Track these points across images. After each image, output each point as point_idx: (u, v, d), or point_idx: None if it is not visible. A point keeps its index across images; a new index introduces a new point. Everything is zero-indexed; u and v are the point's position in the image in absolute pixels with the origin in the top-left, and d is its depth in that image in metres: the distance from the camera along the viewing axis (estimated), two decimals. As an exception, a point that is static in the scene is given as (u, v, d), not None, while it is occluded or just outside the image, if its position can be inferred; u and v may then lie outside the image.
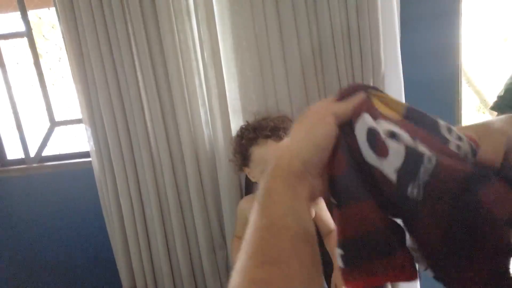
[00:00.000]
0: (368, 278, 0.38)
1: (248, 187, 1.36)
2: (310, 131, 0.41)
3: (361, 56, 1.20)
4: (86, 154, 1.62)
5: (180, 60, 1.28)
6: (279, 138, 1.07)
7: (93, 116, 1.34)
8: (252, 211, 0.38)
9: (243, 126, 1.17)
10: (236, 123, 1.38)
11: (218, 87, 1.30)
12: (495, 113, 1.36)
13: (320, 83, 1.29)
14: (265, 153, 1.05)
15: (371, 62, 1.21)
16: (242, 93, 1.34)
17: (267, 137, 1.07)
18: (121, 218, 1.41)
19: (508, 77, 1.30)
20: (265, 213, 0.37)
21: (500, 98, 1.31)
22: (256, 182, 1.19)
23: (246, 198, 1.23)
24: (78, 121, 1.64)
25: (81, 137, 1.71)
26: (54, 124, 1.68)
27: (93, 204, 1.54)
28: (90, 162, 1.46)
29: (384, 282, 0.38)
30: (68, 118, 1.68)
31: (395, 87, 1.27)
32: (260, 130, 1.08)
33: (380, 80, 1.25)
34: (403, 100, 1.28)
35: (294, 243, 0.34)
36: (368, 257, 0.38)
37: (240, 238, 1.20)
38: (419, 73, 1.33)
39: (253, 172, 1.12)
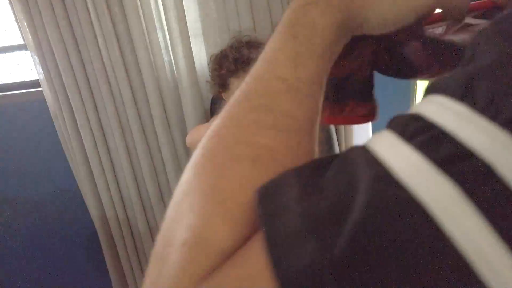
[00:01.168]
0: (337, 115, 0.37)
1: (214, 113, 1.37)
2: None
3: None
4: (32, 84, 1.50)
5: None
6: None
7: (39, 41, 1.22)
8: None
9: (224, 53, 1.09)
10: (197, 49, 1.33)
11: (177, 9, 1.21)
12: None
13: (284, 3, 1.24)
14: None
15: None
16: (202, 15, 1.27)
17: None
18: (83, 150, 1.39)
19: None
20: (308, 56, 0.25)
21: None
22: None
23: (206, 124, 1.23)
24: (22, 47, 1.49)
25: (23, 66, 1.58)
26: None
27: (50, 136, 1.48)
28: (40, 92, 1.37)
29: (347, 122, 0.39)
30: (5, 45, 1.51)
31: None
32: (241, 62, 1.03)
33: None
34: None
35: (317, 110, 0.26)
36: (343, 98, 0.36)
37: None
38: None
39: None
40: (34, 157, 1.60)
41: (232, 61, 1.04)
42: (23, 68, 1.61)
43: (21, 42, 1.46)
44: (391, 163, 0.17)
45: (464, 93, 0.17)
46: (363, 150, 0.19)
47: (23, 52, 1.52)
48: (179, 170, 1.45)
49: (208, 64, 1.21)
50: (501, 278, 0.14)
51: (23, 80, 1.56)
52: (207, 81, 1.25)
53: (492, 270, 0.14)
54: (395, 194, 0.16)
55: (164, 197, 1.50)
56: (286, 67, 0.24)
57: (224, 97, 1.16)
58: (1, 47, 1.52)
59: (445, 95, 0.18)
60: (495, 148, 0.15)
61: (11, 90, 1.51)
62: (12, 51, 1.53)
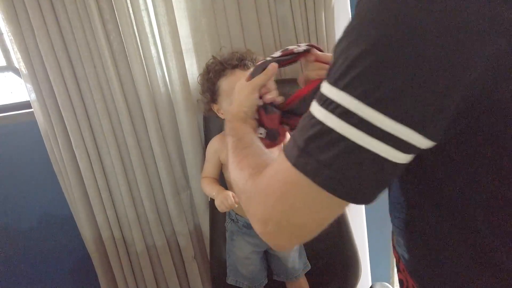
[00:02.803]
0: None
1: (207, 129, 1.40)
2: (245, 99, 0.76)
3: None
4: (21, 106, 1.48)
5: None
6: (246, 67, 1.10)
7: (32, 63, 1.23)
8: (228, 142, 0.70)
9: (209, 62, 1.18)
10: (189, 63, 1.37)
11: (170, 25, 1.26)
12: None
13: (273, 17, 1.31)
14: (233, 82, 1.07)
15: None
16: (193, 30, 1.31)
17: (235, 66, 1.10)
18: (77, 170, 1.37)
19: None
20: (241, 139, 0.68)
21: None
22: (222, 120, 1.22)
23: (216, 138, 1.27)
24: (3, 68, 1.48)
25: (8, 86, 1.55)
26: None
27: (40, 158, 1.45)
28: (29, 114, 1.36)
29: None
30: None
31: (344, 18, 1.35)
32: (226, 61, 1.10)
33: (331, 12, 1.31)
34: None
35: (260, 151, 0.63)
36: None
37: (207, 178, 1.24)
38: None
39: (222, 107, 1.15)
40: (20, 181, 1.56)
41: (217, 63, 1.12)
42: (5, 89, 1.59)
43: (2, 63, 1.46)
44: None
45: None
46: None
47: (5, 73, 1.50)
48: (174, 186, 1.46)
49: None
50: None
51: (11, 102, 1.53)
52: (198, 100, 1.29)
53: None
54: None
55: (161, 215, 1.49)
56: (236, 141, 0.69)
57: (215, 110, 1.20)
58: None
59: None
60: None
61: None
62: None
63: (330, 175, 0.40)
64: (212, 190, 1.14)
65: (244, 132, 0.70)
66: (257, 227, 0.48)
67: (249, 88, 0.75)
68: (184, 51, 1.33)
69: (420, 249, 0.57)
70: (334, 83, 0.40)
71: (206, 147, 1.39)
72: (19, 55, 1.23)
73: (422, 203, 0.52)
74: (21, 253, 1.67)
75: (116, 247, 1.50)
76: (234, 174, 0.59)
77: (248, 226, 1.21)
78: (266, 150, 0.63)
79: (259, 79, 0.75)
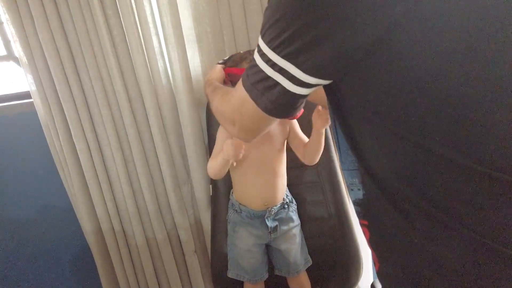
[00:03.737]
0: None
1: (210, 122, 1.38)
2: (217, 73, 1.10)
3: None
4: (21, 96, 1.48)
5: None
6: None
7: (31, 52, 1.21)
8: (209, 90, 0.99)
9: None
10: (191, 54, 1.35)
11: (173, 15, 1.24)
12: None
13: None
14: None
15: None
16: (196, 21, 1.30)
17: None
18: (77, 162, 1.37)
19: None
20: (217, 86, 0.98)
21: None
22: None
23: None
24: (3, 58, 1.47)
25: (8, 76, 1.54)
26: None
27: (39, 149, 1.45)
28: (29, 104, 1.35)
29: None
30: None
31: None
32: (244, 54, 1.15)
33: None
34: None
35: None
36: None
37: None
38: None
39: None
40: (20, 172, 1.55)
41: (236, 57, 1.15)
42: (6, 79, 1.58)
43: (2, 52, 1.45)
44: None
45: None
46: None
47: (6, 63, 1.49)
48: (175, 178, 1.45)
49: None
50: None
51: (10, 92, 1.52)
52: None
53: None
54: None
55: (161, 207, 1.49)
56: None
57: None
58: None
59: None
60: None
61: None
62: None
63: (256, 93, 0.60)
64: (218, 157, 1.15)
65: (217, 83, 1.03)
66: (229, 128, 0.73)
67: (218, 68, 1.14)
68: (186, 42, 1.31)
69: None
70: (260, 33, 0.57)
71: (208, 140, 1.39)
72: (18, 44, 1.22)
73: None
74: (20, 244, 1.67)
75: (116, 239, 1.50)
76: (216, 101, 0.84)
77: (251, 217, 1.21)
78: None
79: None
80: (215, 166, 1.17)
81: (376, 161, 0.58)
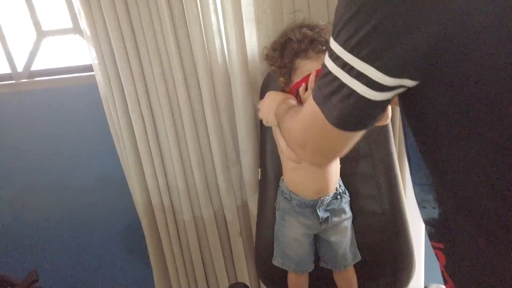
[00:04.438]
0: None
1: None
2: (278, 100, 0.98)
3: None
4: (84, 69, 1.54)
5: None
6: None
7: (95, 26, 1.24)
8: (278, 114, 0.89)
9: (285, 36, 1.09)
10: (249, 33, 1.31)
11: (233, -10, 1.20)
12: None
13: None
14: (315, 67, 1.01)
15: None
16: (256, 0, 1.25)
17: (320, 51, 1.03)
18: (132, 135, 1.40)
19: None
20: (285, 108, 0.86)
21: None
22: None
23: None
24: (71, 31, 1.52)
25: (74, 49, 1.60)
26: (41, 34, 1.55)
27: (96, 121, 1.51)
28: (91, 76, 1.39)
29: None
30: (58, 28, 1.54)
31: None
32: (312, 41, 1.03)
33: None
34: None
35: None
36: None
37: None
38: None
39: (292, 83, 1.09)
40: (80, 142, 1.63)
41: (303, 41, 1.04)
42: (72, 52, 1.65)
43: (69, 25, 1.50)
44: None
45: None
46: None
47: (71, 36, 1.54)
48: (225, 159, 1.45)
49: (265, 53, 1.19)
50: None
51: (72, 65, 1.59)
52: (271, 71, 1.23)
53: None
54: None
55: (209, 187, 1.49)
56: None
57: (281, 83, 1.14)
58: (52, 30, 1.54)
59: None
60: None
61: (62, 74, 1.54)
62: (62, 34, 1.55)
63: (329, 107, 0.53)
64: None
65: (285, 105, 0.91)
66: (300, 152, 0.65)
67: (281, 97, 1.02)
68: (244, 21, 1.27)
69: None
70: (332, 35, 0.51)
71: (260, 124, 1.36)
72: (84, 18, 1.25)
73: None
74: (76, 210, 1.77)
75: (165, 213, 1.53)
76: (285, 123, 0.77)
77: (302, 206, 1.17)
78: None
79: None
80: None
81: (462, 174, 0.51)
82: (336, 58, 0.50)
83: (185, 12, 1.23)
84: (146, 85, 1.34)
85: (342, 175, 1.22)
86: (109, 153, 1.56)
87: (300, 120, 0.62)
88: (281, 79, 1.12)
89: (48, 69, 1.63)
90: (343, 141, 0.57)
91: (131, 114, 1.36)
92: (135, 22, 1.24)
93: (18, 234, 1.84)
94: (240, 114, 1.36)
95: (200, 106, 1.36)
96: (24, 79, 1.61)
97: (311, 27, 1.08)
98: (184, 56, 1.29)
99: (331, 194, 1.16)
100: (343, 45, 0.48)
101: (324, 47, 1.03)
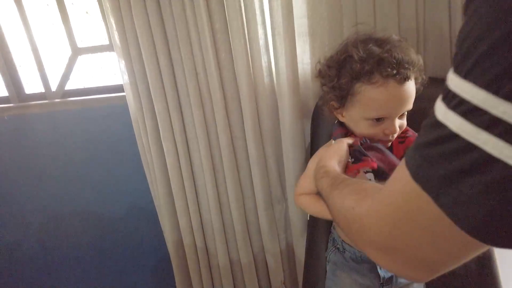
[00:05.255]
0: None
1: (315, 133, 1.13)
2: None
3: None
4: (117, 88, 1.42)
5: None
6: (403, 79, 0.79)
7: (127, 41, 1.11)
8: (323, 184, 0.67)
9: (345, 53, 0.85)
10: (301, 50, 1.12)
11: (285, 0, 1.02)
12: None
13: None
14: (381, 95, 0.79)
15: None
16: (311, 9, 1.06)
17: (389, 76, 0.79)
18: (164, 165, 1.26)
19: None
20: (336, 176, 0.66)
21: None
22: (339, 125, 0.94)
23: (324, 148, 0.99)
24: (106, 48, 1.42)
25: (110, 68, 1.50)
26: (76, 51, 1.46)
27: (130, 146, 1.38)
28: (122, 97, 1.26)
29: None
30: (94, 45, 1.45)
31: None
32: (380, 63, 0.79)
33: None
34: None
35: None
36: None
37: (309, 195, 0.98)
38: None
39: (346, 112, 0.88)
40: (111, 167, 1.52)
41: (366, 60, 0.80)
42: (108, 71, 1.55)
43: (107, 42, 1.40)
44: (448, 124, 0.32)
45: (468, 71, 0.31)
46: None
47: (108, 53, 1.45)
48: (269, 196, 1.25)
49: (318, 69, 0.97)
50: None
51: (107, 85, 1.49)
52: (321, 104, 1.01)
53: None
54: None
55: (250, 227, 1.30)
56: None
57: (334, 109, 0.91)
58: (87, 47, 1.45)
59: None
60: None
61: (97, 94, 1.45)
62: (97, 52, 1.46)
63: (454, 196, 0.31)
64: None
65: (338, 172, 0.71)
66: (378, 258, 0.44)
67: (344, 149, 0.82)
68: (296, 35, 1.09)
69: None
70: (453, 67, 0.33)
71: (310, 154, 1.15)
72: (115, 32, 1.13)
73: None
74: (104, 240, 1.66)
75: (197, 256, 1.36)
76: (338, 207, 0.54)
77: (357, 261, 0.96)
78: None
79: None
80: (315, 211, 0.94)
81: None
82: (459, 103, 0.31)
83: (228, 24, 1.07)
84: (181, 109, 1.18)
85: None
86: (141, 182, 1.43)
87: (382, 209, 0.40)
88: (333, 103, 0.90)
89: (82, 88, 1.54)
90: (472, 251, 0.35)
91: (162, 141, 1.21)
92: (170, 36, 1.10)
93: (46, 262, 1.75)
94: (288, 144, 1.17)
95: (242, 133, 1.18)
96: (58, 98, 1.52)
97: (380, 43, 0.84)
98: (225, 75, 1.12)
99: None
100: (484, 84, 0.29)
101: (394, 71, 0.79)
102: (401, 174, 0.37)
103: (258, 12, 1.06)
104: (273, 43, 1.09)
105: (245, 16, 1.06)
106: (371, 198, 0.43)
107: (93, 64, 1.55)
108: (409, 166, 0.36)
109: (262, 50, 1.11)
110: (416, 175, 0.34)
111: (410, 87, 0.80)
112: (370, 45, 0.82)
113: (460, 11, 0.99)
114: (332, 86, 0.87)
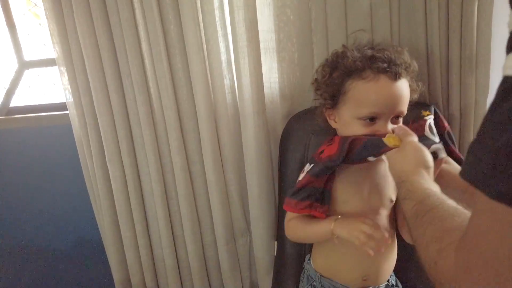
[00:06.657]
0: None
1: (284, 158, 1.03)
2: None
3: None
4: (62, 106, 1.30)
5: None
6: (395, 75, 0.78)
7: (70, 52, 1.01)
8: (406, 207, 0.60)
9: (341, 54, 0.86)
10: (268, 67, 1.03)
11: (248, 10, 0.93)
12: None
13: (393, 9, 0.93)
14: (371, 91, 0.78)
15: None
16: (278, 23, 0.99)
17: (381, 71, 0.78)
18: (110, 191, 1.13)
19: None
20: (422, 200, 0.56)
21: None
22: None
23: None
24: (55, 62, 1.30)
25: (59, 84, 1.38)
26: (24, 65, 1.34)
27: (75, 170, 1.24)
28: (66, 115, 1.14)
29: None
30: (41, 58, 1.34)
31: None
32: (370, 59, 0.80)
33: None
34: None
35: None
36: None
37: (298, 218, 0.89)
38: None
39: (339, 114, 0.85)
40: (56, 195, 1.39)
41: (358, 57, 0.81)
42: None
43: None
44: None
45: None
46: None
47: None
48: (230, 228, 1.15)
49: (314, 76, 0.94)
50: None
51: (56, 102, 1.37)
52: (314, 99, 0.97)
53: None
54: None
55: (208, 265, 1.17)
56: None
57: (326, 114, 0.89)
58: (34, 61, 1.34)
59: None
60: None
61: (43, 112, 1.33)
62: (46, 65, 1.34)
63: None
64: (319, 225, 0.82)
65: (426, 191, 0.59)
66: None
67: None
68: (262, 50, 1.00)
69: None
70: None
71: (278, 182, 1.05)
72: (57, 42, 1.01)
73: None
74: (50, 277, 1.52)
75: (148, 298, 1.20)
76: (421, 250, 0.50)
77: None
78: (461, 209, 0.50)
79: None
80: (305, 231, 0.85)
81: None
82: None
83: (184, 35, 0.97)
84: (130, 127, 1.07)
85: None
86: (89, 211, 1.28)
87: (479, 255, 0.36)
88: (327, 103, 0.87)
89: (29, 105, 1.42)
90: None
91: (108, 165, 1.08)
92: (118, 46, 1.00)
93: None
94: (252, 169, 1.06)
95: (199, 156, 1.08)
96: (2, 115, 1.39)
97: (375, 47, 0.86)
98: (180, 91, 1.03)
99: (383, 285, 0.89)
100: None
101: (385, 64, 0.78)
102: (479, 206, 0.35)
103: (218, 23, 0.98)
104: (235, 58, 0.99)
105: (203, 26, 0.97)
106: (455, 251, 0.40)
107: (44, 79, 1.43)
108: (482, 185, 0.33)
109: (224, 65, 1.01)
110: (497, 194, 0.32)
111: (403, 85, 0.79)
112: (365, 48, 0.85)
113: (436, 32, 0.92)
114: (325, 82, 0.87)
